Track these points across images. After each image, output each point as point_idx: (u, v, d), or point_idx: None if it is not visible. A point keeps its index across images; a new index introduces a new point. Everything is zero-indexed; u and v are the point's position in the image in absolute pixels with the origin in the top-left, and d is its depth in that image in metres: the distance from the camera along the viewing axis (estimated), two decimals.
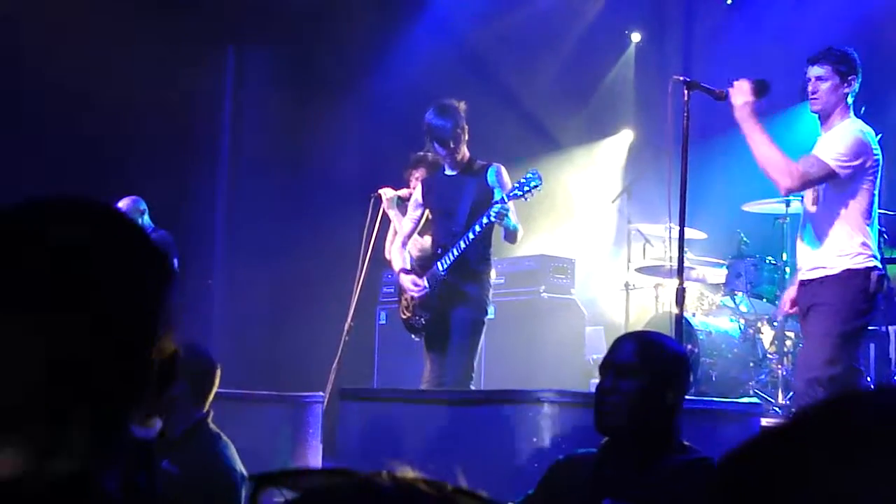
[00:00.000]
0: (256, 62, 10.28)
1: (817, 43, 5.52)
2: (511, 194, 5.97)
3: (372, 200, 7.18)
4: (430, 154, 6.84)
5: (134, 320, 1.17)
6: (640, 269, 9.03)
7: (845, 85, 5.14)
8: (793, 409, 5.29)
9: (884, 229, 6.21)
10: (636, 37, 11.17)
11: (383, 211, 7.08)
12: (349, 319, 7.35)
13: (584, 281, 9.58)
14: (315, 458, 6.54)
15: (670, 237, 8.23)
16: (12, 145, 8.27)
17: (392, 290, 9.25)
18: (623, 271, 9.36)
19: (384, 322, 9.25)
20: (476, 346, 6.24)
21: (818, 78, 5.15)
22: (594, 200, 10.60)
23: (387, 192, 7.04)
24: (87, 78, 8.38)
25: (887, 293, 6.70)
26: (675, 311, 5.30)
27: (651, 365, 3.03)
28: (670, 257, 8.23)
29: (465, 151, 6.29)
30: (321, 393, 6.95)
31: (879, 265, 5.14)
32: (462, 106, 6.25)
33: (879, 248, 5.40)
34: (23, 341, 1.10)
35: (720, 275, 8.23)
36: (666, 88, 5.49)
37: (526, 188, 5.96)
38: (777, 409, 7.05)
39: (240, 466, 4.00)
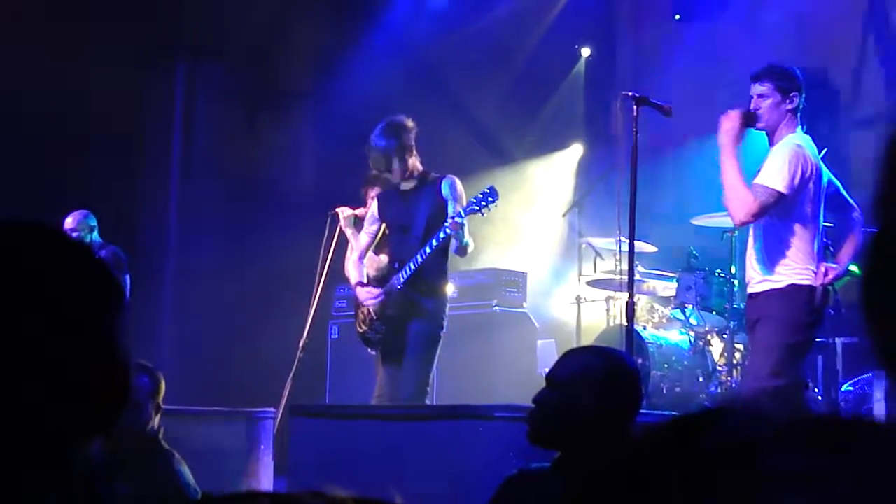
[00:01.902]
0: (208, 77, 10.23)
1: (765, 58, 5.61)
2: (468, 209, 6.01)
3: (329, 218, 7.20)
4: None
5: (85, 344, 1.17)
6: (591, 283, 9.08)
7: (787, 101, 5.22)
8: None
9: (829, 242, 6.30)
10: (586, 51, 11.24)
11: (340, 229, 7.10)
12: (304, 336, 7.33)
13: (536, 294, 9.62)
14: (267, 474, 6.51)
15: (621, 250, 8.30)
16: None
17: (345, 305, 9.24)
18: (574, 284, 9.41)
19: (336, 337, 9.23)
20: (432, 361, 6.26)
21: (760, 95, 5.23)
22: (545, 214, 10.65)
23: (344, 211, 7.06)
24: (35, 91, 8.31)
25: (834, 305, 6.81)
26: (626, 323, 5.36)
27: (569, 377, 3.07)
28: (621, 270, 8.29)
29: (415, 165, 6.31)
30: (273, 409, 6.92)
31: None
32: (409, 123, 6.27)
33: (824, 259, 5.48)
34: None
35: (670, 288, 8.30)
36: (616, 103, 5.57)
37: (483, 203, 6.01)
38: None
39: (193, 483, 4.00)
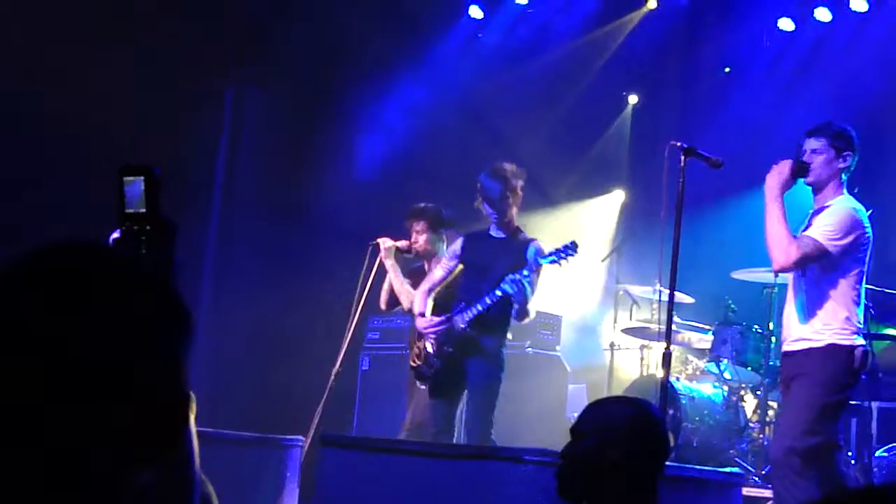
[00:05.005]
0: (255, 105, 10.31)
1: (812, 117, 5.61)
2: (547, 258, 6.15)
3: (370, 248, 7.23)
4: (430, 206, 7.02)
5: (148, 366, 1.16)
6: (626, 330, 9.05)
7: (840, 160, 5.20)
8: (770, 480, 5.30)
9: (870, 304, 6.24)
10: (633, 99, 11.26)
11: (380, 260, 7.13)
12: (338, 364, 7.33)
13: (570, 338, 9.59)
14: (291, 502, 6.50)
15: (659, 299, 8.26)
16: (9, 175, 8.24)
17: (377, 336, 9.24)
18: (609, 331, 9.37)
19: (367, 368, 9.23)
20: (494, 404, 6.35)
21: (813, 150, 5.23)
22: (584, 258, 10.61)
23: (385, 242, 7.10)
24: (82, 113, 8.38)
25: (872, 369, 6.73)
26: (660, 373, 5.33)
27: (595, 428, 3.06)
28: (658, 320, 8.25)
29: (513, 217, 6.42)
30: (301, 437, 6.92)
31: (864, 341, 5.17)
32: (519, 172, 6.39)
33: (865, 323, 5.43)
34: (23, 388, 1.10)
35: (705, 340, 8.25)
36: (660, 151, 5.56)
37: (562, 255, 6.15)
38: (757, 478, 7.04)
39: (216, 502, 4.00)
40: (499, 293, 6.14)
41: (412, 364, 6.60)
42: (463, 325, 6.31)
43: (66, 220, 7.57)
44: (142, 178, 1.94)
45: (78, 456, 1.11)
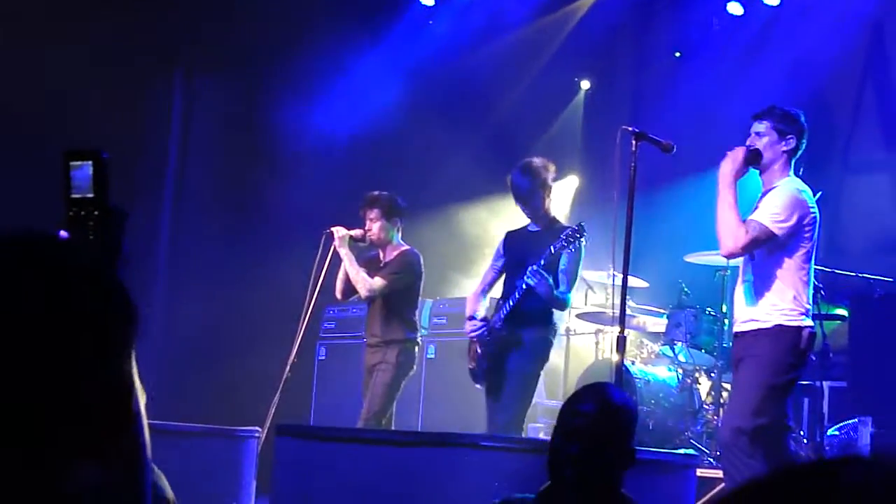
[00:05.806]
0: (206, 91, 10.23)
1: (762, 101, 5.65)
2: (557, 246, 6.07)
3: (324, 237, 7.21)
4: (384, 194, 7.02)
5: (95, 363, 1.15)
6: (581, 315, 9.09)
7: (783, 143, 5.26)
8: (721, 460, 5.36)
9: (821, 285, 6.31)
10: (585, 84, 11.29)
11: (334, 249, 7.11)
12: (293, 355, 7.31)
13: None
14: (249, 494, 6.48)
15: (613, 284, 8.31)
16: None
17: (333, 326, 9.23)
18: (565, 316, 9.38)
19: (324, 357, 9.22)
20: (530, 395, 6.37)
21: (757, 134, 5.30)
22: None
23: (339, 231, 7.08)
24: (30, 97, 8.28)
25: (822, 349, 6.82)
26: (615, 357, 5.36)
27: (606, 423, 3.08)
28: (612, 304, 8.30)
29: (547, 209, 6.44)
30: (258, 428, 6.89)
31: (811, 322, 5.23)
32: (550, 167, 6.42)
33: (816, 303, 5.48)
34: None
35: (660, 324, 8.31)
36: (613, 136, 5.58)
37: (570, 240, 6.07)
38: (711, 460, 7.11)
39: (172, 497, 3.97)
40: (524, 286, 6.12)
41: (469, 366, 6.64)
42: (499, 324, 6.33)
43: (13, 213, 7.50)
44: (90, 162, 1.90)
45: (23, 451, 1.10)
